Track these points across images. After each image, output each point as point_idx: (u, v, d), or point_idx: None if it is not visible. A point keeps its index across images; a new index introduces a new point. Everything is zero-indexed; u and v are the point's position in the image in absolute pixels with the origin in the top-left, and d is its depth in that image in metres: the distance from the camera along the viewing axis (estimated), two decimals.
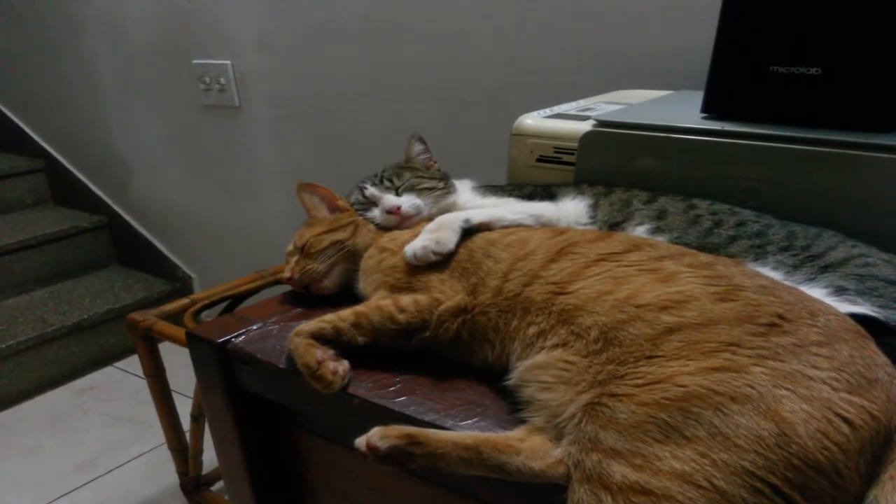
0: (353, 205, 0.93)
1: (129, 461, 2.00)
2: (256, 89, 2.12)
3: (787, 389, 0.49)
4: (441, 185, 0.90)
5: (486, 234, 0.78)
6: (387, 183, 0.91)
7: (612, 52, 1.41)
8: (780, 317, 0.55)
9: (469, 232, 0.79)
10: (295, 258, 0.87)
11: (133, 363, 2.43)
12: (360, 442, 0.61)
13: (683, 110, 0.94)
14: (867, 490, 0.49)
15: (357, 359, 0.73)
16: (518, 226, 0.80)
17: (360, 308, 0.75)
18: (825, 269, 0.69)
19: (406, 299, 0.73)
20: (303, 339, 0.72)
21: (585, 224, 0.83)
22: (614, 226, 0.81)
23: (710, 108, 0.89)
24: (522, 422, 0.63)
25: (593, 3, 1.41)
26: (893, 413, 0.50)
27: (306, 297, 0.88)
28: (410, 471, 0.65)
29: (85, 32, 2.53)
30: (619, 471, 0.50)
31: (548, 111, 1.10)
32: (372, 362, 0.74)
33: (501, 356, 0.69)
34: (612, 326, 0.59)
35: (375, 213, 0.89)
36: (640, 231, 0.79)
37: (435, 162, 0.98)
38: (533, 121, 1.05)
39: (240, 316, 0.87)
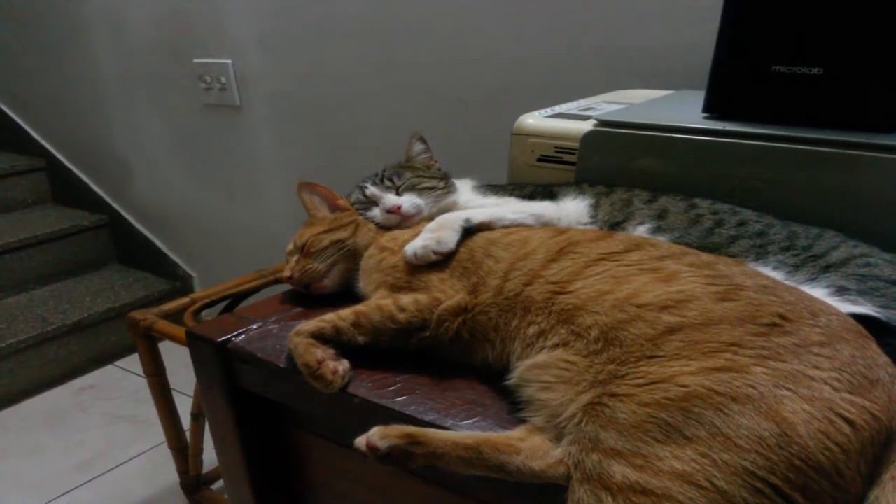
0: (353, 204, 0.93)
1: (129, 460, 2.00)
2: (257, 89, 2.12)
3: (789, 390, 0.49)
4: (441, 184, 0.90)
5: (486, 234, 0.78)
6: (387, 182, 0.91)
7: (613, 52, 1.41)
8: (782, 317, 0.54)
9: (470, 231, 0.79)
10: (295, 257, 0.87)
11: (133, 362, 2.43)
12: (360, 441, 0.61)
13: (685, 110, 0.94)
14: (868, 490, 0.48)
15: (357, 358, 0.73)
16: (519, 225, 0.80)
17: (360, 307, 0.75)
18: (826, 269, 0.69)
19: (406, 299, 0.73)
20: (303, 338, 0.72)
21: (586, 224, 0.83)
22: (615, 225, 0.81)
23: (712, 107, 0.89)
24: (523, 421, 0.62)
25: (594, 2, 1.41)
26: (894, 413, 0.50)
27: (306, 297, 0.88)
28: (410, 470, 0.64)
29: (85, 32, 2.53)
30: (620, 471, 0.50)
31: (549, 111, 1.10)
32: (372, 362, 0.74)
33: (502, 356, 0.69)
34: (612, 326, 0.59)
35: (376, 212, 0.89)
36: (640, 231, 0.79)
37: (435, 161, 0.98)
38: (534, 120, 1.05)
39: (240, 315, 0.87)
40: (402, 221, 0.87)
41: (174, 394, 1.64)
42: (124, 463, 1.99)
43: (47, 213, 2.92)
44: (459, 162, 1.04)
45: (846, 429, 0.48)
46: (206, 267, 2.70)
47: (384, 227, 0.88)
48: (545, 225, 0.81)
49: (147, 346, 1.55)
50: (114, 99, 2.59)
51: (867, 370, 0.51)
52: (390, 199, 0.88)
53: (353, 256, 0.86)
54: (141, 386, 1.84)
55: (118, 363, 2.56)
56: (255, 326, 0.84)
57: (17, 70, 2.88)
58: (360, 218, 0.90)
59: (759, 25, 0.84)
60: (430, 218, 0.84)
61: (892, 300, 0.64)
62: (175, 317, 1.55)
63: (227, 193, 2.41)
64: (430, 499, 0.72)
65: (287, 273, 0.86)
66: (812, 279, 0.68)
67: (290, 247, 0.89)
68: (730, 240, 0.75)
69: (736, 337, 0.53)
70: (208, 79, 2.20)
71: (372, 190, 0.90)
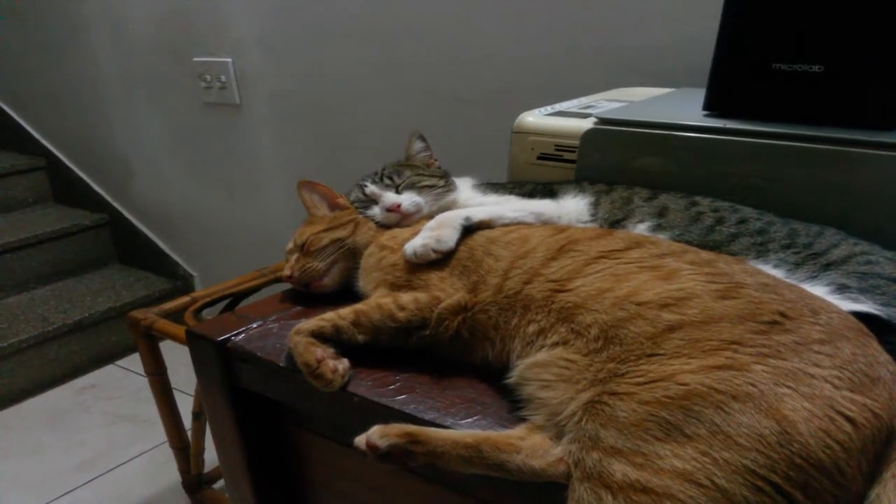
0: (353, 203, 0.93)
1: (130, 460, 2.00)
2: (257, 87, 2.12)
3: (789, 387, 0.49)
4: (441, 182, 0.90)
5: (486, 232, 0.78)
6: (387, 181, 0.91)
7: (613, 51, 1.41)
8: (782, 314, 0.54)
9: (469, 230, 0.79)
10: (295, 256, 0.87)
11: (134, 361, 2.43)
12: (360, 440, 0.61)
13: (685, 108, 0.94)
14: (869, 489, 0.48)
15: (357, 357, 0.73)
16: (519, 224, 0.80)
17: (359, 306, 0.74)
18: (827, 266, 0.69)
19: (406, 297, 0.73)
20: (303, 337, 0.72)
21: (586, 222, 0.83)
22: (615, 223, 0.81)
23: (712, 105, 0.88)
24: (523, 420, 0.62)
25: (594, 1, 1.41)
26: (895, 411, 0.50)
27: (306, 296, 0.88)
28: (410, 469, 0.64)
29: (86, 31, 2.53)
30: (620, 469, 0.50)
31: (549, 109, 1.10)
32: (372, 360, 0.74)
33: (502, 354, 0.69)
34: (612, 324, 0.59)
35: (375, 210, 0.89)
36: (641, 228, 0.79)
37: (435, 160, 0.98)
38: (534, 118, 1.05)
39: (239, 314, 0.87)
40: (402, 220, 0.87)
41: (175, 393, 1.64)
42: (126, 462, 2.00)
43: (48, 213, 2.92)
44: (459, 161, 1.04)
45: (847, 427, 0.48)
46: (206, 266, 2.70)
47: (384, 226, 0.88)
48: (545, 223, 0.81)
49: (148, 345, 1.55)
50: (114, 98, 2.59)
51: (868, 368, 0.51)
52: (390, 197, 0.87)
53: (352, 255, 0.86)
54: (142, 385, 1.84)
55: (119, 362, 2.56)
56: (254, 325, 0.84)
57: (18, 69, 2.88)
58: (360, 216, 0.90)
59: (760, 23, 0.83)
60: (430, 216, 0.84)
61: (893, 298, 0.64)
62: (176, 316, 1.55)
63: (227, 192, 2.41)
64: (430, 497, 0.72)
65: (287, 272, 0.86)
66: (813, 277, 0.68)
67: (290, 245, 0.89)
68: (730, 237, 0.75)
69: (736, 335, 0.53)
70: (208, 77, 2.20)
71: (371, 188, 0.90)
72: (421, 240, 0.77)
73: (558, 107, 1.12)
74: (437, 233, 0.77)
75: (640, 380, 0.53)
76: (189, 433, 1.66)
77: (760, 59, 0.83)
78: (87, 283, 2.77)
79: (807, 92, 0.81)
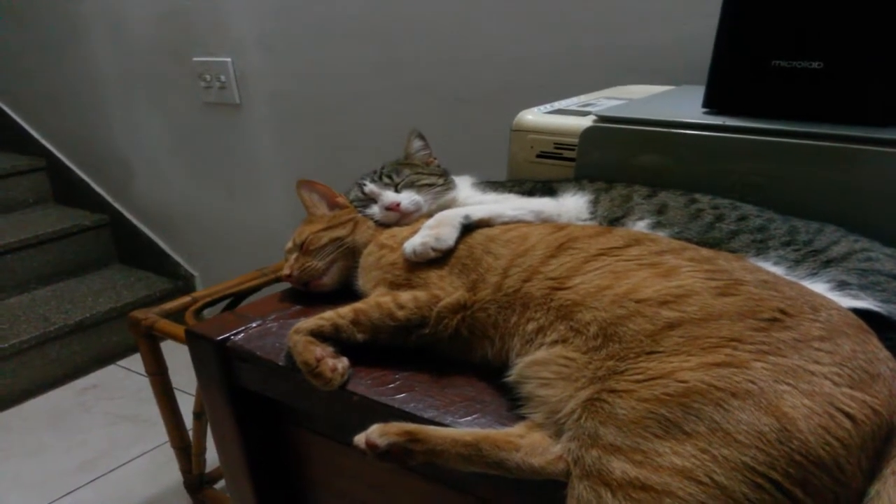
0: (352, 201, 0.93)
1: (131, 460, 2.01)
2: (257, 87, 2.12)
3: (789, 385, 0.49)
4: (440, 181, 0.90)
5: (485, 231, 0.78)
6: (386, 179, 0.91)
7: (613, 50, 1.41)
8: (782, 312, 0.54)
9: (469, 228, 0.79)
10: (294, 255, 0.87)
11: (135, 361, 2.43)
12: (360, 439, 0.61)
13: (685, 105, 0.93)
14: (869, 485, 0.48)
15: (356, 356, 0.73)
16: (518, 222, 0.80)
17: (359, 305, 0.74)
18: (827, 263, 0.69)
19: (405, 296, 0.73)
20: (302, 336, 0.72)
21: (586, 220, 0.83)
22: (615, 221, 0.81)
23: (712, 103, 0.88)
24: (522, 418, 0.62)
25: (594, 1, 1.41)
26: (895, 408, 0.50)
27: (305, 295, 0.88)
28: (410, 468, 0.64)
29: (85, 31, 2.53)
30: (619, 467, 0.50)
31: (548, 107, 1.10)
32: (371, 359, 0.74)
33: (501, 352, 0.69)
34: (611, 322, 0.59)
35: (375, 209, 0.89)
36: (640, 226, 0.79)
37: (434, 158, 0.98)
38: (533, 116, 1.05)
39: (239, 314, 0.87)
40: (401, 218, 0.87)
41: (176, 393, 1.64)
42: (127, 462, 2.00)
43: (48, 213, 2.93)
44: (459, 161, 1.04)
45: (847, 423, 0.47)
46: (207, 266, 2.71)
47: (383, 225, 0.88)
48: (545, 221, 0.81)
49: (149, 345, 1.55)
50: (114, 98, 2.60)
51: (868, 365, 0.51)
52: (389, 196, 0.87)
53: (352, 254, 0.86)
54: (143, 385, 1.84)
55: (120, 363, 2.56)
56: (254, 325, 0.84)
57: (18, 70, 2.88)
58: (359, 215, 0.90)
59: (759, 20, 0.83)
60: (429, 215, 0.83)
61: (894, 294, 0.64)
62: (177, 316, 1.55)
63: (227, 192, 2.41)
64: (430, 496, 0.72)
65: (286, 271, 0.86)
66: (813, 274, 0.68)
67: (290, 245, 0.89)
68: (730, 235, 0.74)
69: (736, 332, 0.53)
70: (208, 77, 2.20)
71: (371, 187, 0.90)
72: (420, 238, 0.77)
73: (557, 105, 1.12)
74: (436, 231, 0.77)
75: (640, 377, 0.53)
76: (190, 433, 1.66)
77: (760, 57, 0.83)
78: (88, 284, 2.77)
79: (806, 89, 0.81)
